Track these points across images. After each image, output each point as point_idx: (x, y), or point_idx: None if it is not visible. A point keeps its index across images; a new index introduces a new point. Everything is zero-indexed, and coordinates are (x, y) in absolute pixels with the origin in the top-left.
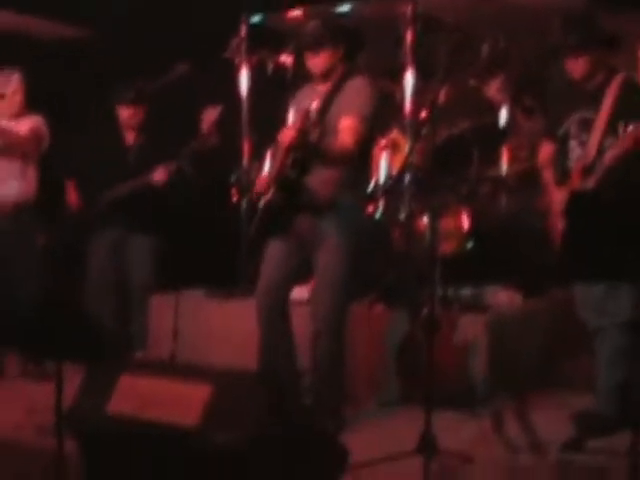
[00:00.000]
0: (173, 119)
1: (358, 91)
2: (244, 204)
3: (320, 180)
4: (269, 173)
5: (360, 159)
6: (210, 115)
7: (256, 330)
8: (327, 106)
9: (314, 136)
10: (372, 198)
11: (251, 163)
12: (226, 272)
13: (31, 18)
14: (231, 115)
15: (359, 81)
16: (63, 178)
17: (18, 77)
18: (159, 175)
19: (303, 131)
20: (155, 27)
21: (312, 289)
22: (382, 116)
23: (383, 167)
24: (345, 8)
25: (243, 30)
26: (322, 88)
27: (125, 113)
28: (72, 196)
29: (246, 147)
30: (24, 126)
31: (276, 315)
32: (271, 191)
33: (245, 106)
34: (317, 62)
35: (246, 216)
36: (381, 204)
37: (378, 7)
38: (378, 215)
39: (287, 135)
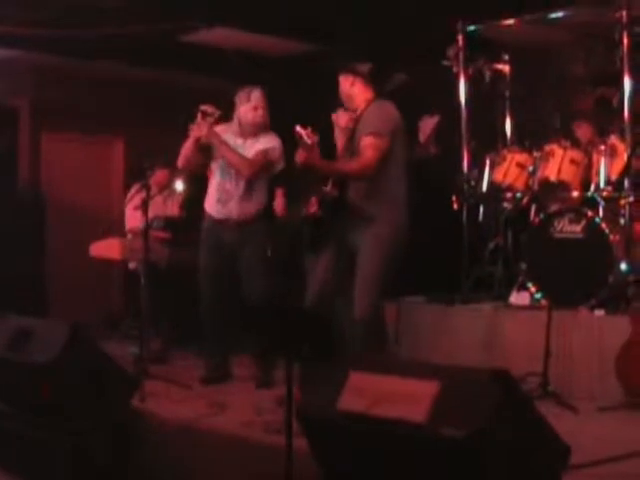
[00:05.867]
0: None
1: (376, 113)
2: (464, 211)
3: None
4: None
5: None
6: (427, 125)
7: (474, 334)
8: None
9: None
10: (592, 203)
11: (470, 171)
12: (447, 279)
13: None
14: (449, 124)
15: (379, 104)
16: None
17: (259, 94)
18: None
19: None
20: (372, 38)
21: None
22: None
23: (602, 172)
24: (558, 15)
25: (460, 39)
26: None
27: (342, 119)
28: (280, 204)
29: (465, 155)
30: (256, 147)
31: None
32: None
33: (464, 115)
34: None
35: (467, 223)
36: (601, 209)
37: (590, 14)
38: (597, 220)
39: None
